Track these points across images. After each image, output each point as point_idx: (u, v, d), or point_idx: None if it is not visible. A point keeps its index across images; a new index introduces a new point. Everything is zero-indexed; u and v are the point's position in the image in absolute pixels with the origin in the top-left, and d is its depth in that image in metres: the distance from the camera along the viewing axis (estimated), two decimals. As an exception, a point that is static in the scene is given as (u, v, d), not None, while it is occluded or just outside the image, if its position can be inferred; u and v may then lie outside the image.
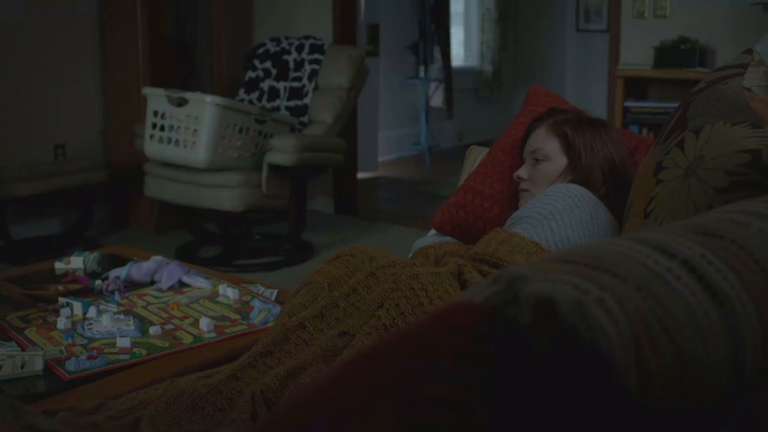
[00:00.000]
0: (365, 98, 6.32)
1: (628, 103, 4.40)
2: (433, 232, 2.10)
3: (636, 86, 4.51)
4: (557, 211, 1.66)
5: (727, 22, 4.25)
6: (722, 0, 4.24)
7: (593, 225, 1.67)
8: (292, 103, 4.75)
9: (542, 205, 1.69)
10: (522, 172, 1.89)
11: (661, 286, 0.61)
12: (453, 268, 1.36)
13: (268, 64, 4.91)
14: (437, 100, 7.66)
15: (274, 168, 4.13)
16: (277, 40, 5.00)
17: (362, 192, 6.07)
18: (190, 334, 1.90)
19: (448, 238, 1.99)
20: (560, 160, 1.84)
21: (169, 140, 4.02)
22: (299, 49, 4.88)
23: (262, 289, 2.22)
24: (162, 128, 4.04)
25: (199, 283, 2.22)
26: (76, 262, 2.39)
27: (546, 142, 1.86)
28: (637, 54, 4.52)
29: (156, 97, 4.04)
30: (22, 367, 1.67)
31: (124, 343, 1.80)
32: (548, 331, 0.52)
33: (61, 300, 2.05)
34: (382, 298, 1.31)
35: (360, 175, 6.53)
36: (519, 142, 2.03)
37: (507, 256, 1.49)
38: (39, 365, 1.67)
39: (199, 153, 3.93)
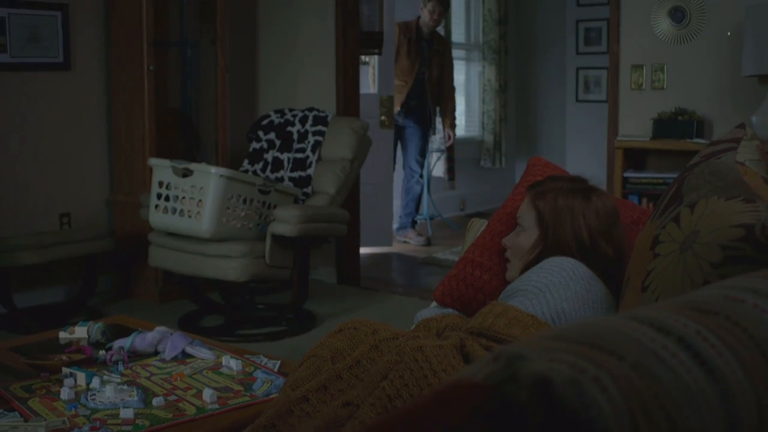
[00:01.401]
0: (378, 173, 6.33)
1: (627, 174, 4.45)
2: (435, 303, 2.12)
3: (635, 157, 4.56)
4: (552, 285, 1.68)
5: (724, 93, 4.32)
6: (718, 72, 4.32)
7: (588, 298, 1.69)
8: (295, 174, 4.79)
9: (537, 278, 1.71)
10: (507, 239, 1.92)
11: (657, 364, 0.62)
12: (456, 342, 1.38)
13: (272, 136, 4.97)
14: (439, 170, 7.71)
15: (278, 238, 4.16)
16: (281, 112, 5.07)
17: (374, 266, 6.05)
18: (193, 405, 1.90)
19: (450, 310, 2.01)
20: (533, 233, 1.86)
21: (174, 210, 4.06)
22: (303, 120, 4.95)
23: (264, 360, 2.22)
24: (167, 198, 4.08)
25: (203, 353, 2.23)
26: (80, 331, 2.40)
27: (525, 213, 1.89)
28: (635, 125, 4.58)
29: (161, 168, 4.08)
30: (25, 439, 1.67)
31: (127, 414, 1.80)
32: (545, 409, 0.54)
33: (65, 370, 2.06)
34: (387, 369, 1.33)
35: (373, 250, 6.50)
36: (516, 212, 2.06)
37: (504, 329, 1.50)
38: (42, 437, 1.68)
39: (203, 223, 3.96)
